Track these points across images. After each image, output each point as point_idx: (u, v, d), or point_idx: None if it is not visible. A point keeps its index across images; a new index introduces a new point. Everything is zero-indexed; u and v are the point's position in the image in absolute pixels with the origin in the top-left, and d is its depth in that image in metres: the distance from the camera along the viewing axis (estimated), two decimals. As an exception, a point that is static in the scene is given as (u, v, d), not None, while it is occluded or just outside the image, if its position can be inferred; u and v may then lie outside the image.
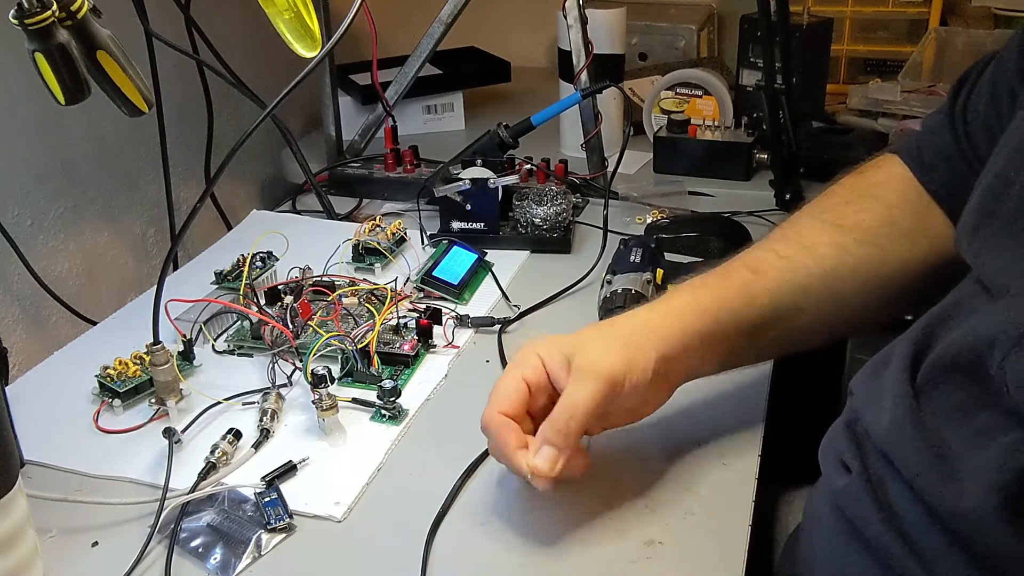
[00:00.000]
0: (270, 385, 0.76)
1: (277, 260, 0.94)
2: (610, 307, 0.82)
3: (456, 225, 1.02)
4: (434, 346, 0.83)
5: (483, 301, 0.92)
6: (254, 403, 0.75)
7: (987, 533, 0.47)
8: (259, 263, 0.93)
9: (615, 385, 0.60)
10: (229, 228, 1.16)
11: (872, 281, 0.68)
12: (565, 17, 1.11)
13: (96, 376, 0.77)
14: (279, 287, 0.88)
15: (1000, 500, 0.46)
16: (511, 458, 0.60)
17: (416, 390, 0.78)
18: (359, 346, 0.79)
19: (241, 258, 0.93)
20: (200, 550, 0.61)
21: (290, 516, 0.63)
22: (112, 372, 0.76)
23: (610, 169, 1.09)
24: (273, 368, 0.78)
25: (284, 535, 0.62)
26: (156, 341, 0.73)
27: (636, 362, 0.61)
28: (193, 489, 0.65)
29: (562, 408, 0.59)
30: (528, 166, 1.12)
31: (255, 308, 0.84)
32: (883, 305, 0.69)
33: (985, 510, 0.47)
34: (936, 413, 0.52)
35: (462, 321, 0.86)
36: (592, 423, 0.61)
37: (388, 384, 0.73)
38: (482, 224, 1.01)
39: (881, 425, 0.55)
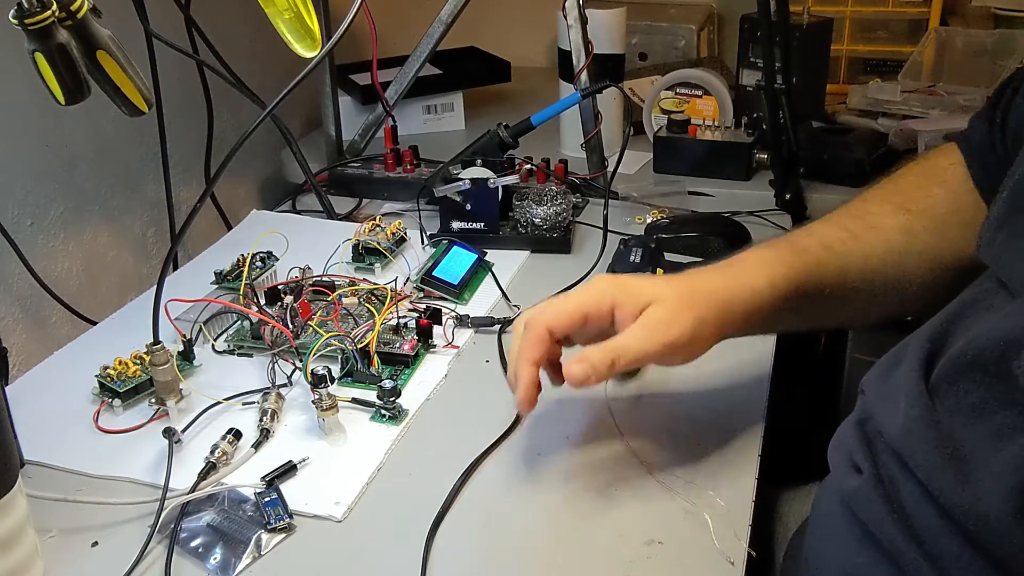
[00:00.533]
0: (270, 385, 0.76)
1: (277, 260, 0.94)
2: (610, 307, 0.82)
3: (456, 225, 1.02)
4: (434, 346, 0.83)
5: (483, 301, 0.92)
6: (254, 403, 0.75)
7: (1004, 536, 0.47)
8: (259, 263, 0.93)
9: (672, 351, 0.62)
10: (229, 228, 1.16)
11: (936, 267, 0.69)
12: (565, 17, 1.11)
13: (96, 376, 0.77)
14: (279, 287, 0.88)
15: (1018, 503, 0.46)
16: (521, 366, 0.63)
17: (416, 390, 0.78)
18: (359, 346, 0.79)
19: (241, 258, 0.93)
20: (200, 550, 0.61)
21: (290, 516, 0.63)
22: (112, 372, 0.76)
23: (610, 169, 1.09)
24: (273, 368, 0.78)
25: (284, 535, 0.62)
26: (156, 341, 0.73)
27: (701, 333, 0.63)
28: (193, 489, 0.65)
29: (616, 346, 0.61)
30: (528, 166, 1.12)
31: (255, 308, 0.84)
32: (940, 290, 0.69)
33: (1002, 512, 0.46)
34: (952, 413, 0.51)
35: (462, 321, 0.86)
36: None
37: (388, 384, 0.73)
38: (482, 224, 1.01)
39: (895, 425, 0.54)
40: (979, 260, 0.58)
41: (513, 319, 0.87)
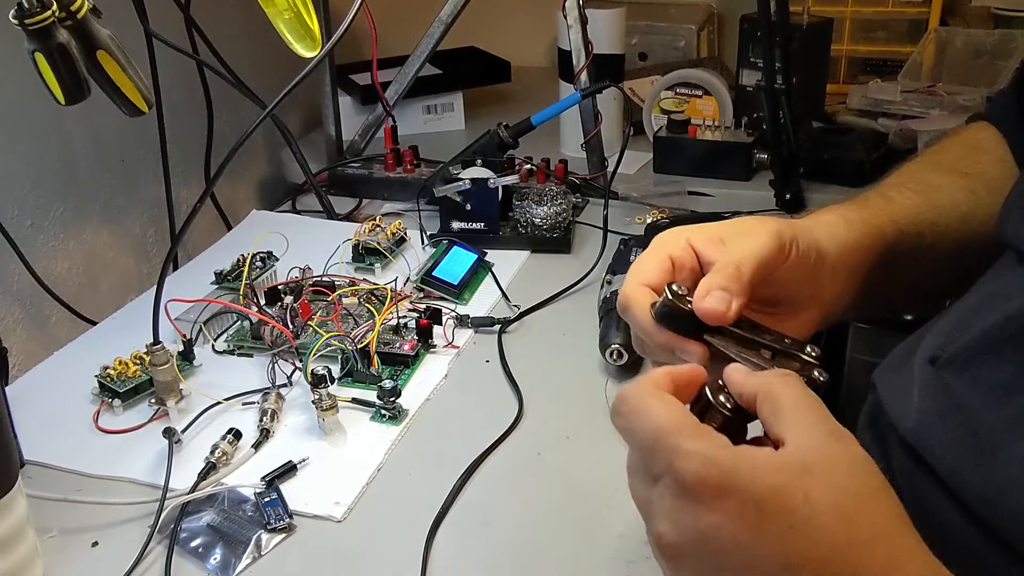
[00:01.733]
0: (270, 385, 0.76)
1: (277, 260, 0.94)
2: (610, 307, 0.82)
3: (456, 225, 1.02)
4: (434, 346, 0.83)
5: (483, 301, 0.92)
6: (254, 403, 0.75)
7: None
8: (259, 263, 0.93)
9: (782, 244, 0.52)
10: (229, 228, 1.16)
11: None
12: (565, 17, 1.11)
13: (96, 376, 0.77)
14: (279, 287, 0.88)
15: None
16: (646, 331, 0.51)
17: (416, 390, 0.78)
18: (359, 346, 0.79)
19: (241, 258, 0.93)
20: (200, 550, 0.61)
21: (290, 516, 0.63)
22: (112, 372, 0.76)
23: (610, 169, 1.09)
24: (273, 368, 0.78)
25: (284, 535, 0.62)
26: (156, 341, 0.73)
27: (797, 234, 0.54)
28: (193, 489, 0.65)
29: (729, 257, 0.51)
30: (528, 166, 1.12)
31: (255, 308, 0.84)
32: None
33: None
34: (972, 392, 0.48)
35: (462, 321, 0.86)
36: (761, 285, 0.52)
37: (388, 384, 0.73)
38: (482, 224, 1.01)
39: (908, 418, 0.51)
40: (999, 238, 0.55)
41: (512, 320, 0.87)
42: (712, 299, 0.48)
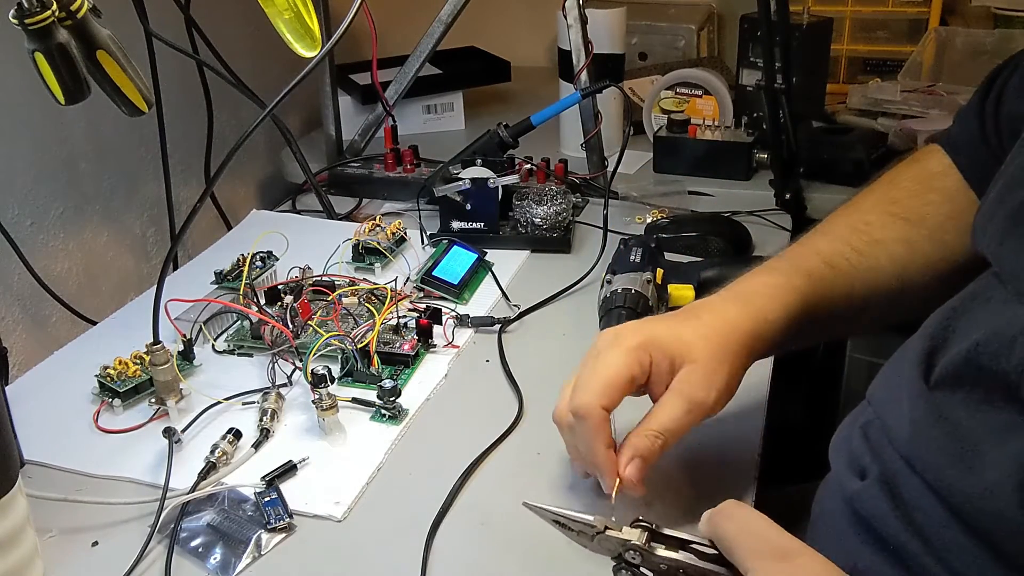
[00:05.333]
0: (270, 385, 0.76)
1: (277, 260, 0.94)
2: (610, 307, 0.82)
3: (456, 225, 1.02)
4: (434, 346, 0.83)
5: (483, 301, 0.92)
6: (254, 403, 0.75)
7: (1012, 530, 0.46)
8: (259, 263, 0.93)
9: (708, 413, 0.61)
10: (229, 228, 1.16)
11: (935, 273, 0.69)
12: (565, 17, 1.11)
13: (96, 376, 0.77)
14: (279, 287, 0.88)
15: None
16: (597, 454, 0.59)
17: (416, 390, 0.78)
18: (359, 346, 0.79)
19: (241, 258, 0.93)
20: (200, 550, 0.61)
21: (290, 516, 0.63)
22: (112, 372, 0.76)
23: (610, 169, 1.09)
24: (273, 368, 0.78)
25: (284, 535, 0.62)
26: (156, 341, 0.73)
27: (732, 384, 0.62)
28: (193, 489, 0.65)
29: (659, 427, 0.59)
30: (528, 166, 1.12)
31: (255, 308, 0.84)
32: (937, 295, 0.67)
33: (1010, 506, 0.46)
34: (956, 410, 0.51)
35: (462, 321, 0.86)
36: None
37: (388, 384, 0.73)
38: (482, 224, 1.01)
39: (901, 427, 0.54)
40: (977, 253, 0.58)
41: (512, 319, 0.87)
42: (633, 470, 0.58)
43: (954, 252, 0.68)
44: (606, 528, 0.52)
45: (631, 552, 0.51)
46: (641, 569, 0.51)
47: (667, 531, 0.52)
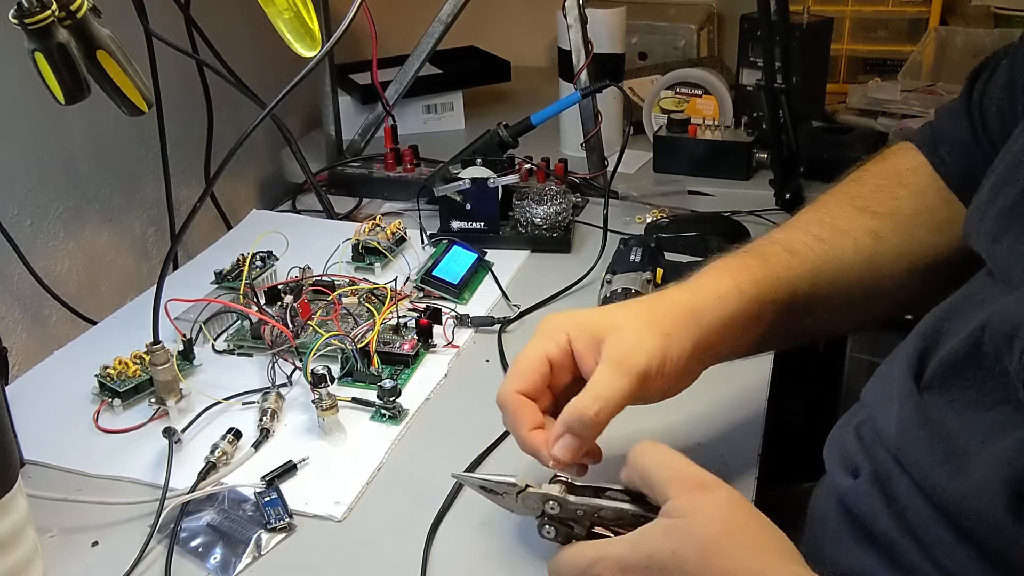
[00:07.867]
0: (270, 385, 0.76)
1: (277, 260, 0.94)
2: (610, 307, 0.82)
3: (456, 225, 1.02)
4: (434, 346, 0.83)
5: (483, 301, 0.92)
6: (254, 403, 0.75)
7: (997, 530, 0.47)
8: (259, 263, 0.93)
9: (648, 379, 0.56)
10: (229, 228, 1.16)
11: (906, 269, 0.67)
12: (565, 17, 1.11)
13: (96, 376, 0.77)
14: (279, 287, 0.88)
15: (1011, 496, 0.46)
16: (524, 438, 0.58)
17: (416, 390, 0.78)
18: (359, 346, 0.79)
19: (241, 258, 0.93)
20: (200, 550, 0.61)
21: (290, 516, 0.63)
22: (112, 372, 0.76)
23: (610, 169, 1.09)
24: (273, 368, 0.78)
25: (284, 535, 0.62)
26: (156, 341, 0.73)
27: (671, 352, 0.57)
28: (193, 489, 0.65)
29: (590, 399, 0.55)
30: (528, 166, 1.12)
31: (255, 308, 0.84)
32: (914, 293, 0.68)
33: (994, 506, 0.47)
34: (946, 409, 0.52)
35: (462, 321, 0.86)
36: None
37: (388, 384, 0.73)
38: (482, 224, 1.01)
39: (891, 426, 0.55)
40: (969, 249, 0.58)
41: (512, 319, 0.87)
42: (560, 448, 0.56)
43: (924, 247, 0.67)
44: (527, 486, 0.54)
45: (550, 503, 0.53)
46: (561, 518, 0.54)
47: (583, 483, 0.55)
